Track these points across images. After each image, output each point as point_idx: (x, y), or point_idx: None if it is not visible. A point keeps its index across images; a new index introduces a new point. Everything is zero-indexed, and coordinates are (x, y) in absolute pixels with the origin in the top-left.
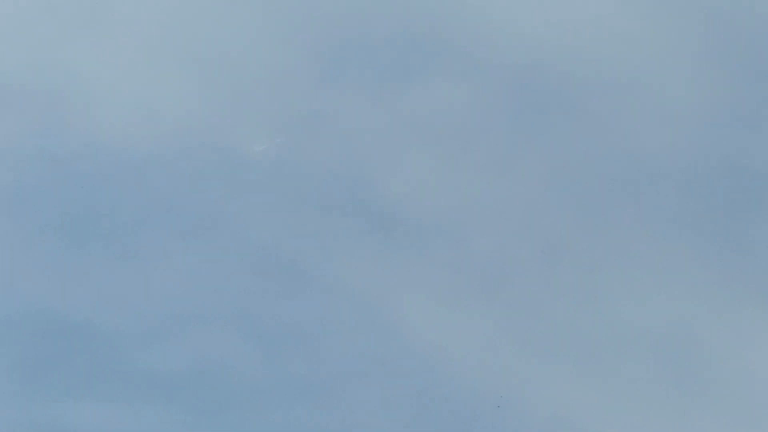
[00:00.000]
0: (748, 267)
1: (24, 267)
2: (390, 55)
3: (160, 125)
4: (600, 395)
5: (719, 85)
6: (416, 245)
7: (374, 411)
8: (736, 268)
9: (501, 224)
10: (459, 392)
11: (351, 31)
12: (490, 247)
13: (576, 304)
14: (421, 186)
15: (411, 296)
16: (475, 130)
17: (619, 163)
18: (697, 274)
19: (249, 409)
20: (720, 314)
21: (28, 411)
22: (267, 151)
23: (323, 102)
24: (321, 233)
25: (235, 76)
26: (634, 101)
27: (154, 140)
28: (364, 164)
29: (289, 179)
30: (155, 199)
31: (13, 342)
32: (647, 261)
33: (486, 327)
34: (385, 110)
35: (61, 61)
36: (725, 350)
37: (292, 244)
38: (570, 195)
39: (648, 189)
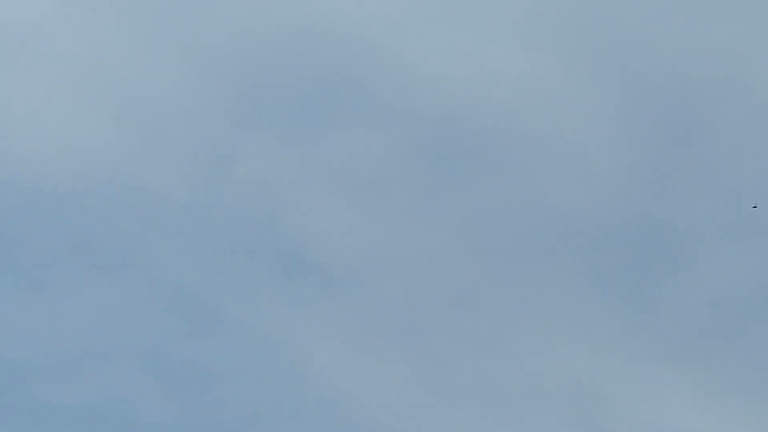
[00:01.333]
0: (653, 324)
1: None
2: (308, 101)
3: (76, 162)
4: None
5: (632, 146)
6: (328, 290)
7: None
8: (641, 324)
9: (414, 272)
10: None
11: (270, 75)
12: (401, 294)
13: (485, 353)
14: (335, 232)
15: (321, 341)
16: (390, 178)
17: (531, 217)
18: (603, 329)
19: None
20: (624, 369)
21: None
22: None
23: (240, 145)
24: (234, 275)
25: (153, 115)
26: (549, 157)
27: (70, 176)
28: (279, 208)
29: (203, 220)
30: (69, 234)
31: None
32: (556, 315)
33: (395, 374)
34: (301, 155)
35: None
36: (628, 404)
37: (204, 284)
38: (483, 246)
39: (558, 244)
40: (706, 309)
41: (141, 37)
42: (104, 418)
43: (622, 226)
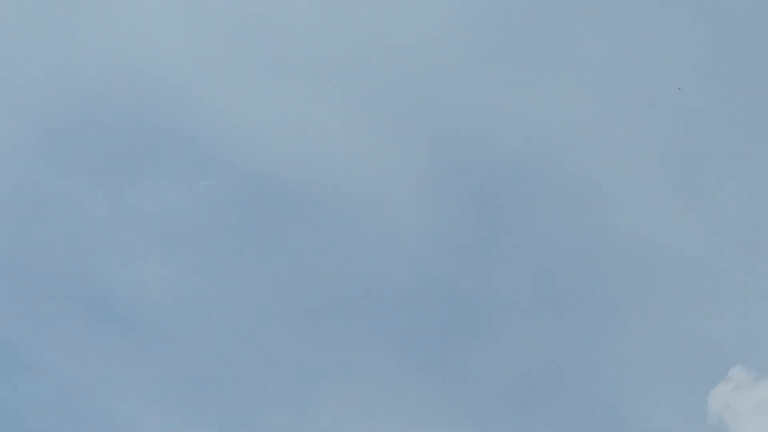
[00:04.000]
0: (454, 391)
1: None
2: (122, 148)
3: None
4: None
5: (442, 215)
6: (133, 340)
7: None
8: (443, 391)
9: (219, 327)
10: None
11: (85, 119)
12: (206, 347)
13: (286, 411)
14: (144, 281)
15: (124, 390)
16: (201, 230)
17: (340, 278)
18: (406, 393)
19: None
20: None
21: None
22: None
23: (50, 188)
24: (40, 319)
25: None
26: (359, 219)
27: None
28: (88, 254)
29: (10, 262)
30: None
31: None
32: (359, 376)
33: (196, 427)
34: (113, 202)
35: None
36: None
37: (9, 327)
38: (290, 304)
39: (365, 305)
40: (506, 379)
41: None
42: None
43: (429, 292)
